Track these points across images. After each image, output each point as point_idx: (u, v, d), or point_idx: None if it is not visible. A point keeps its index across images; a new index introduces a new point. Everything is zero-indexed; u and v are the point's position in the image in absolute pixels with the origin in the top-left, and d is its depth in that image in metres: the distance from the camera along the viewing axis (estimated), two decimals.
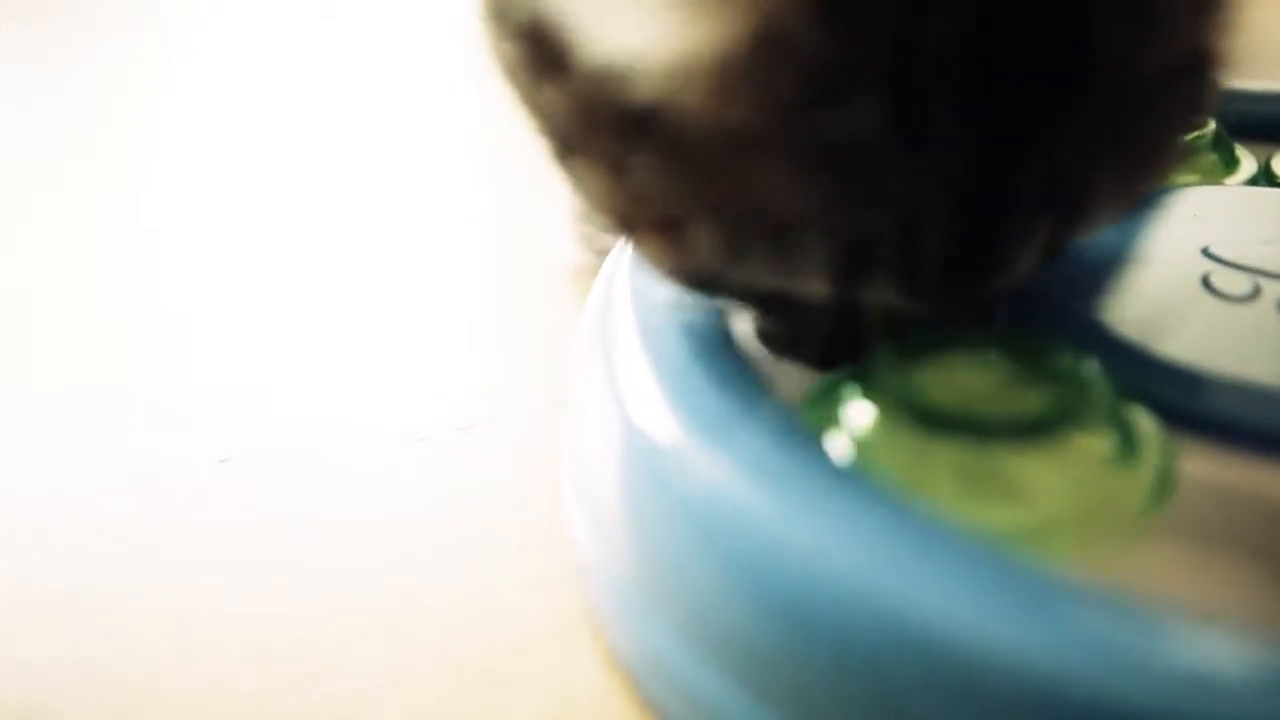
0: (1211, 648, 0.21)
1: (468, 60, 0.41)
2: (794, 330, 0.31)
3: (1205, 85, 0.28)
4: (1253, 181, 0.43)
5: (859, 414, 0.27)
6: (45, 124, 0.74)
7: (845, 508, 0.24)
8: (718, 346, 0.30)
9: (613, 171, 0.26)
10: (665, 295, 0.32)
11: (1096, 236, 0.30)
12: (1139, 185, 0.28)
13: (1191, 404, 0.29)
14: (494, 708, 0.28)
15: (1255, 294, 0.32)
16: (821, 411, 0.28)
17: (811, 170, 0.24)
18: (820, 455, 0.26)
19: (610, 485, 0.29)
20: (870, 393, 0.27)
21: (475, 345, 0.46)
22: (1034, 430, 0.26)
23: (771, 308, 0.31)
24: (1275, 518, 0.26)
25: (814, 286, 0.26)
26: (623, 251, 0.35)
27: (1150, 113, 0.26)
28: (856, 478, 0.25)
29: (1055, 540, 0.25)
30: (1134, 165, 0.27)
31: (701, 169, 0.25)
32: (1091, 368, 0.28)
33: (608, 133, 0.26)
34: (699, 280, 0.29)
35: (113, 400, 0.42)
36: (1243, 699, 0.20)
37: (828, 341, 0.30)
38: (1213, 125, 0.45)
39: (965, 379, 0.28)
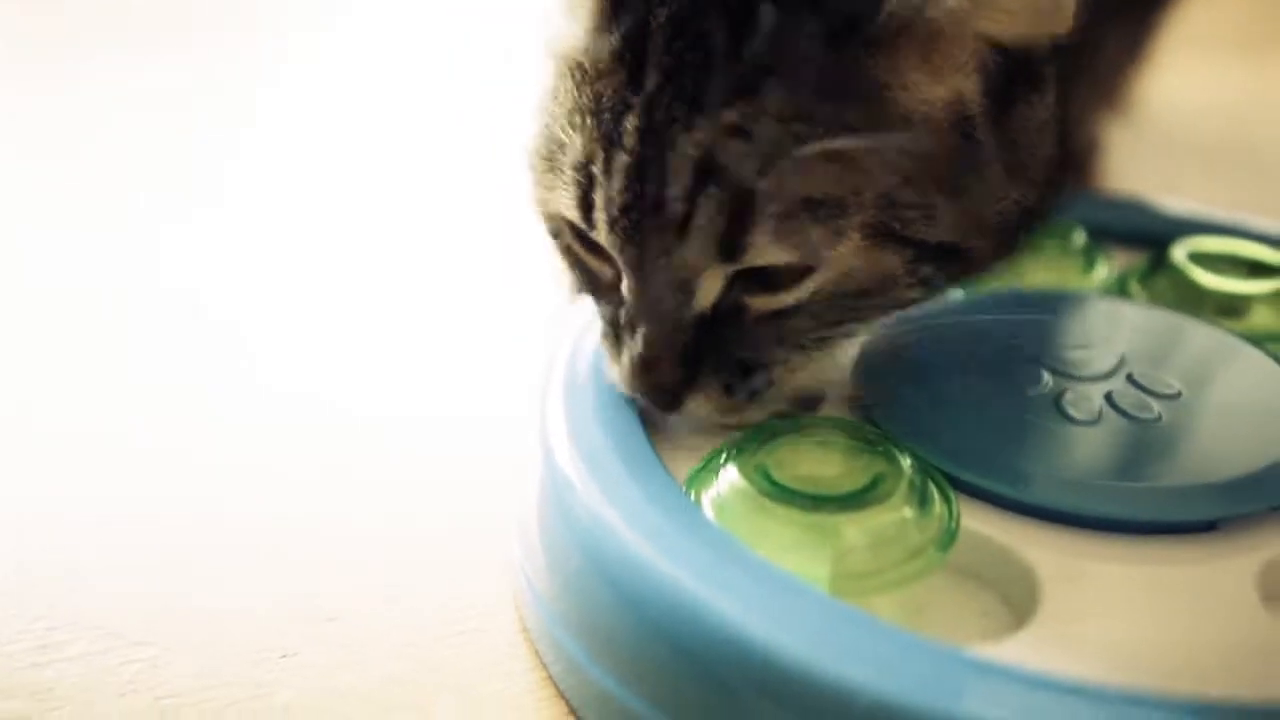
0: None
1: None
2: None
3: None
4: (1107, 287, 0.52)
5: (723, 481, 0.37)
6: (111, 142, 0.83)
7: (693, 544, 0.34)
8: (619, 409, 0.40)
9: None
10: (590, 361, 0.42)
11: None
12: (803, 227, 0.35)
13: (970, 477, 0.38)
14: (436, 668, 0.39)
15: (1042, 386, 0.42)
16: (703, 476, 0.38)
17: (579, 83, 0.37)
18: (681, 504, 0.36)
19: (533, 506, 0.40)
20: (738, 464, 0.37)
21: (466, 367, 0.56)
22: (853, 501, 0.36)
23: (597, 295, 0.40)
24: (1010, 557, 0.36)
25: (570, 210, 0.37)
26: (565, 328, 0.45)
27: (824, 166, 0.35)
28: (704, 523, 0.35)
29: (864, 584, 0.35)
30: (799, 205, 0.35)
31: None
32: (901, 449, 0.38)
33: None
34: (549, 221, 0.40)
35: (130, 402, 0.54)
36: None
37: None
38: (1082, 232, 0.54)
39: (810, 456, 0.38)
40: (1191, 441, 0.39)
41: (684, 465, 0.39)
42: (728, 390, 0.38)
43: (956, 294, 0.49)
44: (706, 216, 0.35)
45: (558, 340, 0.45)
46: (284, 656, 0.39)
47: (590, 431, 0.39)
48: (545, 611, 0.37)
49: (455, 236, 0.70)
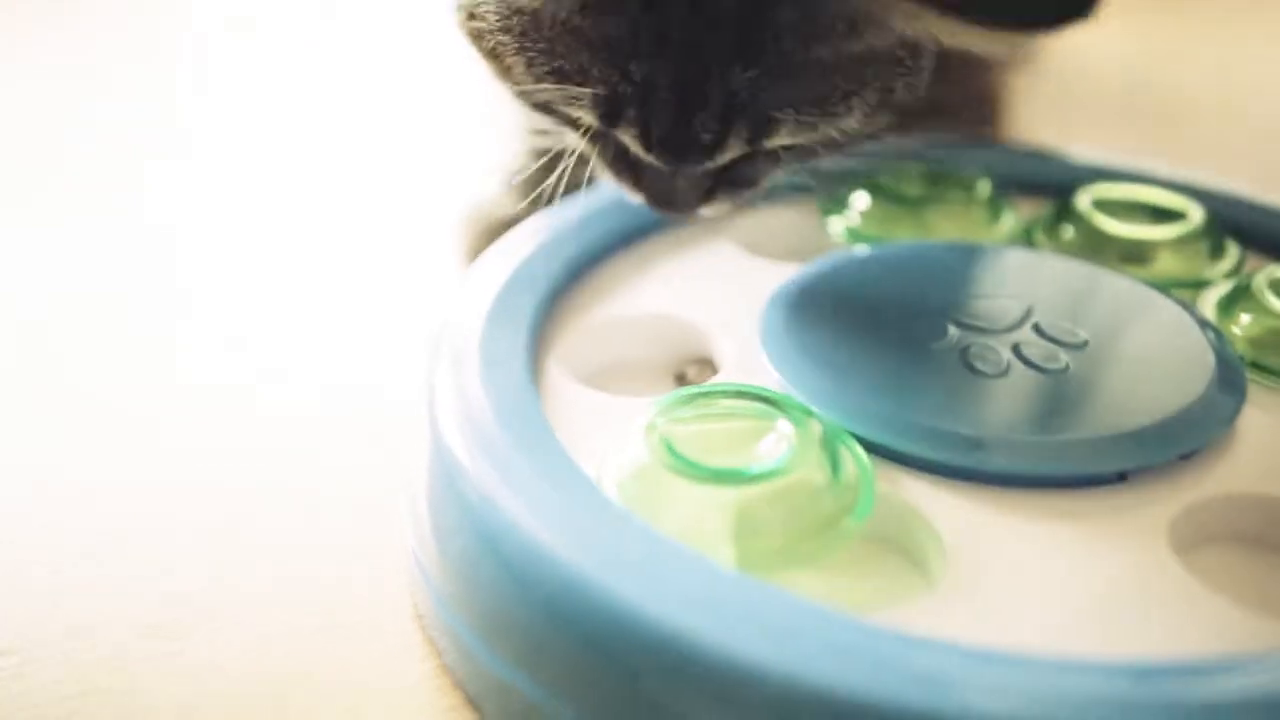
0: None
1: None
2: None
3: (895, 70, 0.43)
4: (1013, 237, 0.51)
5: (626, 456, 0.35)
6: (79, 123, 0.80)
7: (590, 522, 0.32)
8: (511, 382, 0.38)
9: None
10: (479, 333, 0.40)
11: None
12: (816, 124, 0.42)
13: (875, 436, 0.37)
14: (327, 660, 0.37)
15: (948, 340, 0.41)
16: (609, 452, 0.36)
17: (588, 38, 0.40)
18: (576, 480, 0.34)
19: (423, 485, 0.38)
20: (641, 438, 0.35)
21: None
22: (761, 472, 0.34)
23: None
24: (917, 517, 0.35)
25: (588, 118, 0.42)
26: (454, 298, 0.43)
27: (826, 79, 0.41)
28: (602, 500, 0.33)
29: (777, 559, 0.33)
30: (811, 110, 0.41)
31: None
32: (810, 414, 0.36)
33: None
34: (535, 103, 0.44)
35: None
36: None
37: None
38: (987, 183, 0.53)
39: (716, 427, 0.37)
40: (1100, 391, 0.39)
41: (579, 439, 0.37)
42: (731, 199, 0.45)
43: (861, 249, 0.48)
44: (735, 141, 0.41)
45: (448, 309, 0.42)
46: (165, 655, 0.37)
47: (480, 406, 0.37)
48: (438, 597, 0.35)
49: (349, 206, 0.67)
